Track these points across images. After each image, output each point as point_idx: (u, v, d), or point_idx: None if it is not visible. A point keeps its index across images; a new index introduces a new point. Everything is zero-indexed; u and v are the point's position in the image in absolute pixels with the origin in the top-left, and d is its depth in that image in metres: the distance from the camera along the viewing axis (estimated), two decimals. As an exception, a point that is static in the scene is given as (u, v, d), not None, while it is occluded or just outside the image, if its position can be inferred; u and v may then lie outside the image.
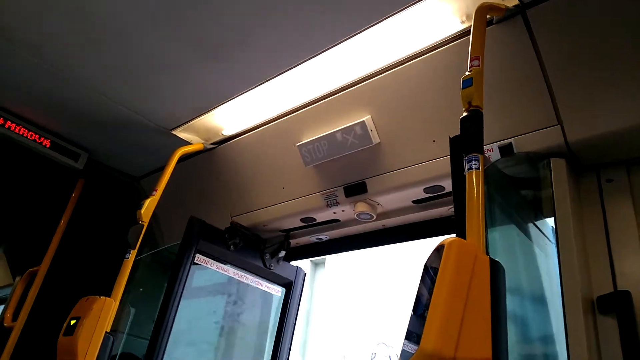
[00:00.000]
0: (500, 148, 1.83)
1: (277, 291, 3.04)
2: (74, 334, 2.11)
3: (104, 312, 2.18)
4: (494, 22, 1.77)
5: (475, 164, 1.32)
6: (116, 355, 3.05)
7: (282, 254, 2.89)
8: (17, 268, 3.35)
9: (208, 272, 2.84)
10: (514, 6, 1.69)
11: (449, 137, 1.47)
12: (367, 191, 2.28)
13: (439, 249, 1.21)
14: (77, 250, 3.22)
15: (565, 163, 1.71)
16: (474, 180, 1.30)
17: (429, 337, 1.06)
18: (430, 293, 1.13)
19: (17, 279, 3.13)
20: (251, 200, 2.78)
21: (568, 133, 1.69)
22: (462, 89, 1.46)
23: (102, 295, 2.23)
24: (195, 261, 2.59)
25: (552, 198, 1.67)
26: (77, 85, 2.49)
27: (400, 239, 2.57)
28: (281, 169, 2.60)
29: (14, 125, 2.84)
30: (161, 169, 2.64)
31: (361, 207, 2.35)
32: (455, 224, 1.31)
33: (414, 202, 2.29)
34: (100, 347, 2.13)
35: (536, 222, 1.92)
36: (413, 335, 1.12)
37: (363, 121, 2.18)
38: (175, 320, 2.41)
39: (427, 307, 1.11)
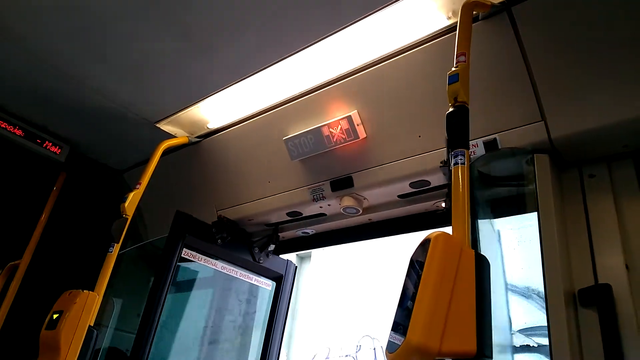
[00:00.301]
0: (485, 143, 1.85)
1: (268, 285, 3.04)
2: (56, 328, 2.08)
3: (87, 306, 2.16)
4: (479, 18, 1.79)
5: (461, 159, 1.34)
6: (100, 349, 3.02)
7: (272, 247, 2.88)
8: (-3, 261, 3.30)
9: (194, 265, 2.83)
10: (500, 3, 1.70)
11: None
12: (353, 185, 2.29)
13: (424, 243, 1.22)
14: (59, 243, 3.18)
15: (548, 159, 1.73)
16: (460, 175, 1.31)
17: (415, 330, 1.08)
18: (416, 287, 1.14)
19: (-2, 272, 3.08)
20: (237, 194, 2.77)
21: (551, 129, 1.71)
22: (449, 84, 1.47)
23: (86, 289, 2.20)
24: (182, 255, 2.58)
25: (536, 193, 1.69)
26: (60, 76, 2.45)
27: (386, 233, 2.59)
28: (267, 163, 2.59)
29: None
30: (145, 162, 2.61)
31: (347, 201, 2.35)
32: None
33: (399, 196, 2.30)
34: (84, 341, 2.11)
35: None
36: (400, 326, 1.13)
37: (349, 116, 2.18)
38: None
39: (413, 300, 1.13)
